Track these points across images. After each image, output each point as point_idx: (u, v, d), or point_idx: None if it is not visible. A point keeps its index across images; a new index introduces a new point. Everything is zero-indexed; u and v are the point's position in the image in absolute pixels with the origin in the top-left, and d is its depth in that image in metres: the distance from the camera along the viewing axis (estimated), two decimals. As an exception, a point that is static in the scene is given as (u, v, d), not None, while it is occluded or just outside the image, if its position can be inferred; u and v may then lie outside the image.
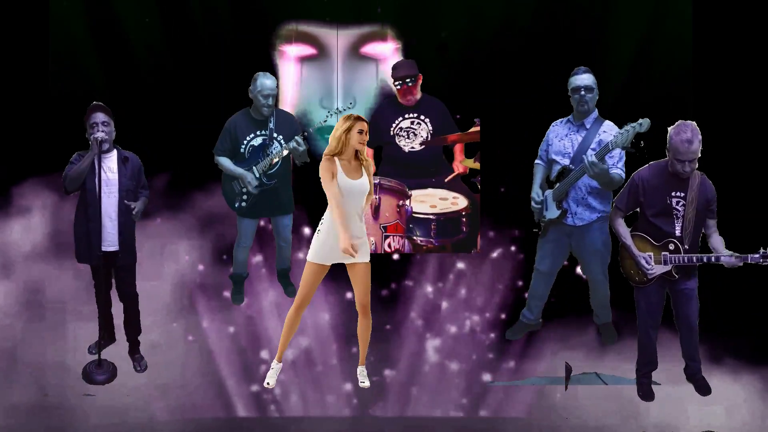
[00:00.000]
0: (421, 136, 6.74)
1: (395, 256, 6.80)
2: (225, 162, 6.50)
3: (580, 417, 6.32)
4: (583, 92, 5.96)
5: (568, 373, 6.40)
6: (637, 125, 5.69)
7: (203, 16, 6.84)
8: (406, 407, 6.54)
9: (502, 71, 6.83)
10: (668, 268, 5.83)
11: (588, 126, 6.01)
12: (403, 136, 6.75)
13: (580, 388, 6.38)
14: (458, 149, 6.79)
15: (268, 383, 5.79)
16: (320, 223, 5.50)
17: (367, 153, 5.81)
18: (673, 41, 6.78)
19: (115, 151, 6.21)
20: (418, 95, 6.70)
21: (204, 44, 6.85)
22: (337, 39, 6.91)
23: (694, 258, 5.79)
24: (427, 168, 6.76)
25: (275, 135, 6.42)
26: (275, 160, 6.42)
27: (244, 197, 6.51)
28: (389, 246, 6.36)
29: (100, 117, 6.11)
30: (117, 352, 6.38)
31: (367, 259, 5.52)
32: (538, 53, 6.77)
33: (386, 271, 6.80)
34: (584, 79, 5.97)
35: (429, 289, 6.90)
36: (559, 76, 6.18)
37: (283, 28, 6.94)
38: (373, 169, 5.56)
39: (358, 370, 5.88)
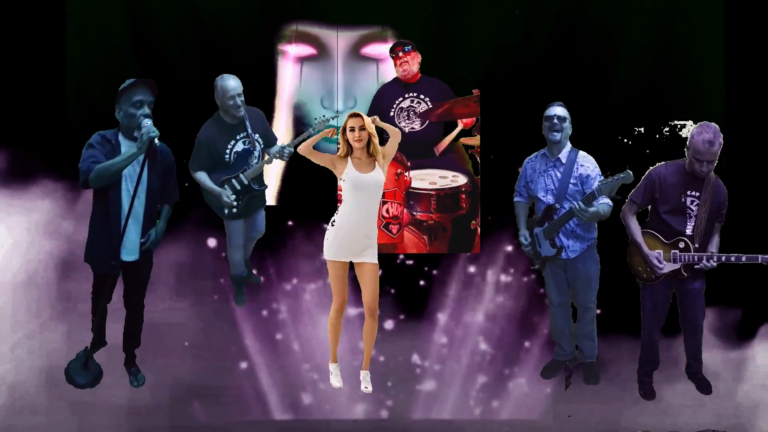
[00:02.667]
0: None
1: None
2: (202, 177, 6.32)
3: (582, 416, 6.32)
4: (555, 121, 5.99)
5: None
6: (621, 177, 5.77)
7: (203, 16, 6.85)
8: (419, 410, 6.50)
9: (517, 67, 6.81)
10: (677, 266, 5.81)
11: (564, 160, 6.05)
12: (404, 117, 6.73)
13: (581, 388, 6.33)
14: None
15: (336, 386, 5.74)
16: (332, 218, 5.45)
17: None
18: (703, 41, 6.73)
19: None
20: (415, 67, 6.69)
21: (204, 44, 6.85)
22: (337, 40, 6.92)
23: (704, 257, 5.77)
24: (427, 148, 6.73)
25: (254, 137, 6.34)
26: (265, 166, 6.35)
27: (234, 203, 6.35)
28: (387, 212, 6.32)
29: (148, 96, 5.40)
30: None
31: (375, 260, 5.44)
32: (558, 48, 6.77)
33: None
34: (557, 110, 6.02)
35: (434, 288, 6.86)
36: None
37: (283, 28, 6.94)
38: (384, 150, 5.43)
39: (361, 374, 5.71)
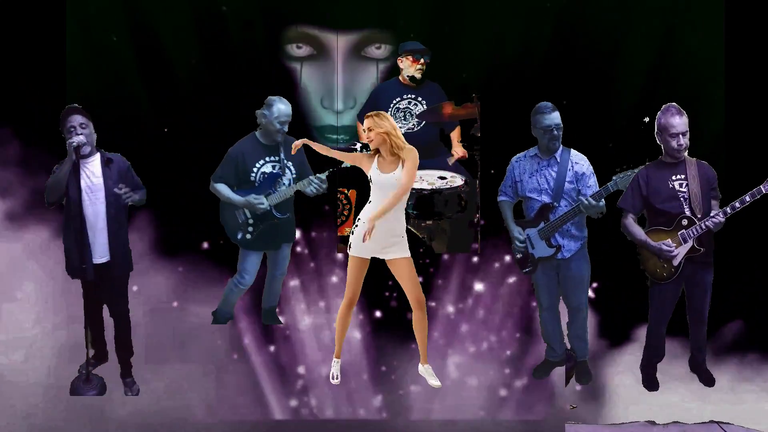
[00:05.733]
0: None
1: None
2: (223, 189, 6.23)
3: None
4: (555, 132, 6.01)
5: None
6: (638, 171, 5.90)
7: (203, 16, 6.85)
8: (419, 410, 6.50)
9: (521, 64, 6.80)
10: (690, 244, 5.82)
11: (559, 159, 6.06)
12: (400, 117, 6.74)
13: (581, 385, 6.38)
14: (455, 136, 6.81)
15: (334, 377, 5.68)
16: (360, 214, 5.41)
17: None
18: (703, 37, 6.72)
19: (98, 155, 5.88)
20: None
21: (204, 45, 6.84)
22: (337, 40, 6.91)
23: (710, 219, 5.78)
24: (425, 149, 6.66)
25: (286, 163, 6.26)
26: (289, 195, 6.24)
27: (250, 228, 6.26)
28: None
29: (77, 119, 5.79)
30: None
31: (405, 254, 5.39)
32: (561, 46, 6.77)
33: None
34: (554, 117, 6.02)
35: (433, 287, 6.85)
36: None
37: (284, 29, 6.93)
38: (412, 159, 5.32)
39: (422, 369, 5.63)
